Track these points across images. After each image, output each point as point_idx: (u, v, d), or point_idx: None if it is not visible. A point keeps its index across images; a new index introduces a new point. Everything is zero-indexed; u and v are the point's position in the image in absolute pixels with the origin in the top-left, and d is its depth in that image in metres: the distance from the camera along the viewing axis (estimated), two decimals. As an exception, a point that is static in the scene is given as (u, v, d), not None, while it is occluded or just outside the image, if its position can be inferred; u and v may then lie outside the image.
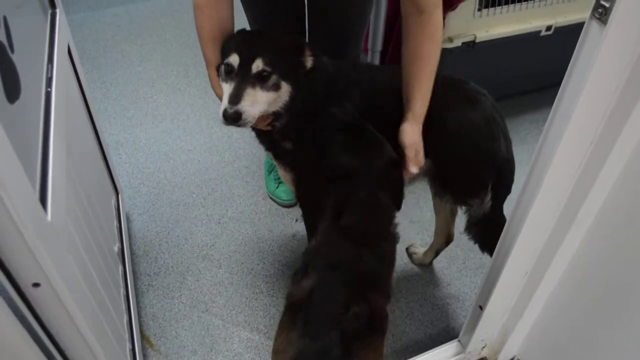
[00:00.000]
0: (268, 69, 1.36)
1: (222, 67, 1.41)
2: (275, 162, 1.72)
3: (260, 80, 1.37)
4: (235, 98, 1.34)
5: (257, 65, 1.36)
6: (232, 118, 1.33)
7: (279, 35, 1.49)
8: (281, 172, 1.71)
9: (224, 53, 1.43)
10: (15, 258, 0.81)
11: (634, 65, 0.97)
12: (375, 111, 1.57)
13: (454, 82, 1.59)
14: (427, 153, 1.59)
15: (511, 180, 1.62)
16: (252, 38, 1.48)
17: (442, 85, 1.57)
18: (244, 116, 1.34)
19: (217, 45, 1.47)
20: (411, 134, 1.48)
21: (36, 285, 0.87)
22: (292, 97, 1.44)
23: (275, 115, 1.48)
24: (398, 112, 1.56)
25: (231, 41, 1.45)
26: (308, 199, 1.73)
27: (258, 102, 1.37)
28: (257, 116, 1.38)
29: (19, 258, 0.82)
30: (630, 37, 0.93)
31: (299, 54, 1.44)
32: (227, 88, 1.38)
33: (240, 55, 1.37)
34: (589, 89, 1.00)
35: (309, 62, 1.45)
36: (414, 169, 1.50)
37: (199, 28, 1.47)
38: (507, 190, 1.63)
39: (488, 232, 1.65)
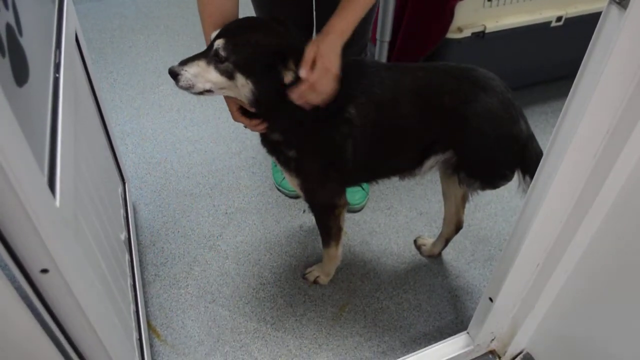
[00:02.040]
0: (223, 53, 1.37)
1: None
2: (279, 167, 1.70)
3: (217, 60, 1.38)
4: (185, 62, 1.40)
5: (217, 44, 1.37)
6: (170, 74, 1.40)
7: (277, 35, 1.43)
8: (287, 177, 1.70)
9: None
10: (24, 244, 0.80)
11: (654, 51, 0.95)
12: (388, 120, 1.56)
13: (463, 70, 1.58)
14: (450, 145, 1.59)
15: (540, 153, 1.62)
16: (248, 25, 1.45)
17: (453, 76, 1.57)
18: (180, 78, 1.39)
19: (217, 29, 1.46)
20: (316, 44, 1.38)
21: (44, 271, 0.85)
22: (257, 97, 1.42)
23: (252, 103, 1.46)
24: (416, 119, 1.56)
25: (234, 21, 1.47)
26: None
27: (203, 76, 1.40)
28: (197, 87, 1.41)
29: (27, 244, 0.80)
30: (651, 22, 0.91)
31: (278, 63, 1.38)
32: None
33: (218, 33, 1.40)
34: (606, 75, 0.98)
35: (288, 76, 1.39)
36: (306, 96, 1.40)
37: (200, 12, 1.47)
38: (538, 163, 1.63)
39: None
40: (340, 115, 1.51)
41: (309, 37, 1.94)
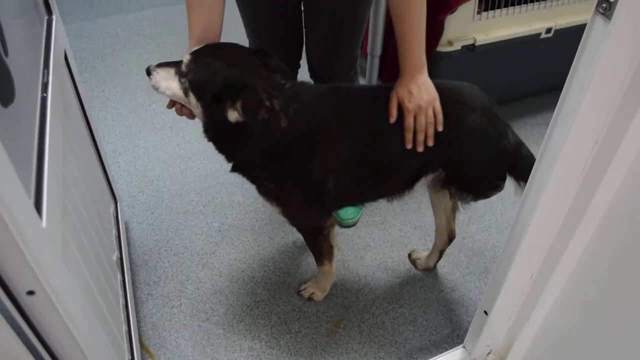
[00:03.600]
0: (184, 69, 1.41)
1: None
2: (260, 196, 1.68)
3: (181, 73, 1.43)
4: (161, 64, 1.47)
5: (185, 58, 1.42)
6: (146, 71, 1.49)
7: (243, 69, 1.41)
8: (269, 205, 1.68)
9: None
10: (9, 265, 0.79)
11: (640, 61, 0.95)
12: (373, 149, 1.55)
13: (448, 90, 1.56)
14: (440, 164, 1.59)
15: (531, 156, 1.61)
16: (221, 51, 1.45)
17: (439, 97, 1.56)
18: (151, 77, 1.47)
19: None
20: (394, 92, 1.50)
21: (31, 293, 0.84)
22: (207, 123, 1.48)
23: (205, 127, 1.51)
24: (401, 138, 1.54)
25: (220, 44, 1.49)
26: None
27: (167, 81, 1.45)
28: (162, 89, 1.46)
29: (12, 265, 0.79)
30: (635, 31, 0.91)
31: (227, 98, 1.37)
32: None
33: (197, 49, 1.44)
34: (593, 86, 0.98)
35: (232, 115, 1.38)
36: (418, 139, 1.49)
37: (190, 26, 1.51)
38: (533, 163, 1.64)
39: None
40: (317, 147, 1.51)
41: (298, 58, 1.96)
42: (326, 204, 1.66)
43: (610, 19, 0.90)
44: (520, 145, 1.61)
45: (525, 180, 1.60)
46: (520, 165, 1.58)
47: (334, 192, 1.58)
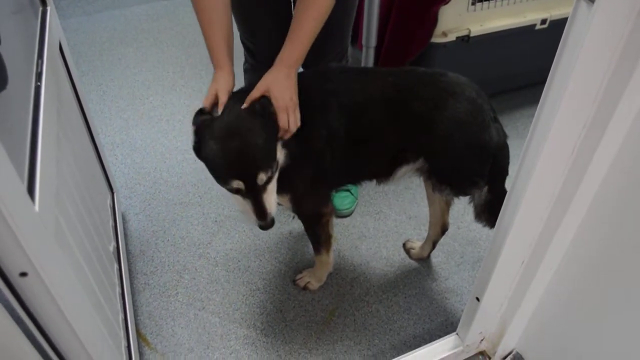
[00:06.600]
0: (269, 174, 1.39)
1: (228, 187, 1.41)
2: None
3: (266, 182, 1.40)
4: (263, 213, 1.43)
5: (261, 179, 1.38)
6: (270, 227, 1.45)
7: (252, 116, 1.39)
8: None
9: (218, 172, 1.40)
10: (2, 247, 0.80)
11: (624, 44, 0.96)
12: (356, 119, 1.56)
13: (433, 76, 1.58)
14: (419, 152, 1.60)
15: (507, 162, 1.63)
16: (236, 142, 1.35)
17: (422, 82, 1.57)
18: (273, 220, 1.45)
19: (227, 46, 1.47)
20: (267, 83, 1.42)
21: (23, 274, 0.86)
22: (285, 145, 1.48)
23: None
24: (384, 125, 1.56)
25: (219, 156, 1.36)
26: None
27: (274, 193, 1.45)
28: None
29: (5, 247, 0.81)
30: (618, 15, 0.92)
31: (275, 117, 1.41)
32: (245, 203, 1.43)
33: (242, 179, 1.37)
34: (579, 70, 0.99)
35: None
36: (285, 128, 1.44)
37: (216, 44, 1.46)
38: (505, 172, 1.65)
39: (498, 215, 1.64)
40: (316, 123, 1.53)
41: None
42: (327, 182, 1.69)
43: (593, 3, 0.91)
44: (502, 147, 1.60)
45: (490, 187, 1.63)
46: (492, 170, 1.59)
47: (329, 164, 1.59)
